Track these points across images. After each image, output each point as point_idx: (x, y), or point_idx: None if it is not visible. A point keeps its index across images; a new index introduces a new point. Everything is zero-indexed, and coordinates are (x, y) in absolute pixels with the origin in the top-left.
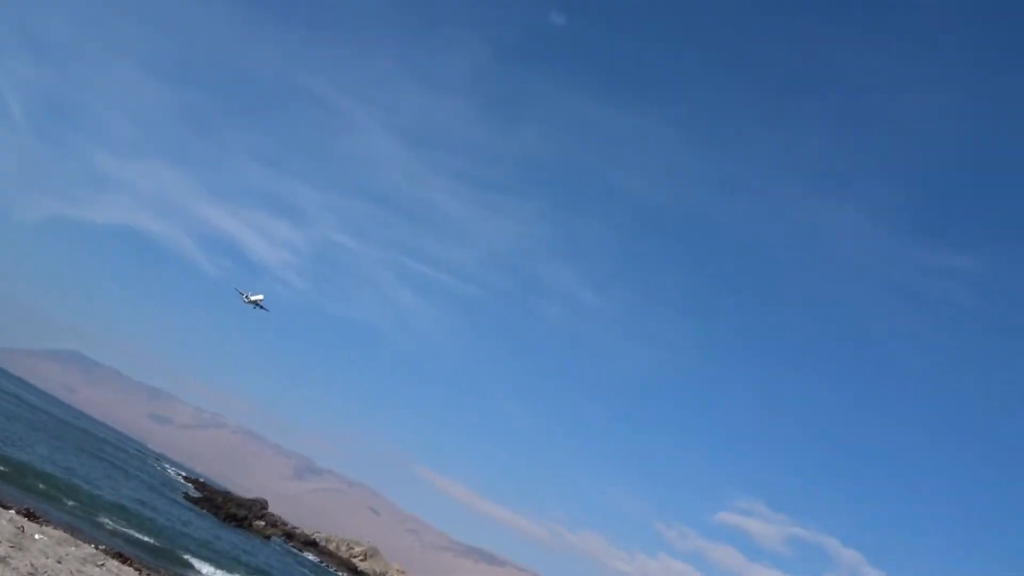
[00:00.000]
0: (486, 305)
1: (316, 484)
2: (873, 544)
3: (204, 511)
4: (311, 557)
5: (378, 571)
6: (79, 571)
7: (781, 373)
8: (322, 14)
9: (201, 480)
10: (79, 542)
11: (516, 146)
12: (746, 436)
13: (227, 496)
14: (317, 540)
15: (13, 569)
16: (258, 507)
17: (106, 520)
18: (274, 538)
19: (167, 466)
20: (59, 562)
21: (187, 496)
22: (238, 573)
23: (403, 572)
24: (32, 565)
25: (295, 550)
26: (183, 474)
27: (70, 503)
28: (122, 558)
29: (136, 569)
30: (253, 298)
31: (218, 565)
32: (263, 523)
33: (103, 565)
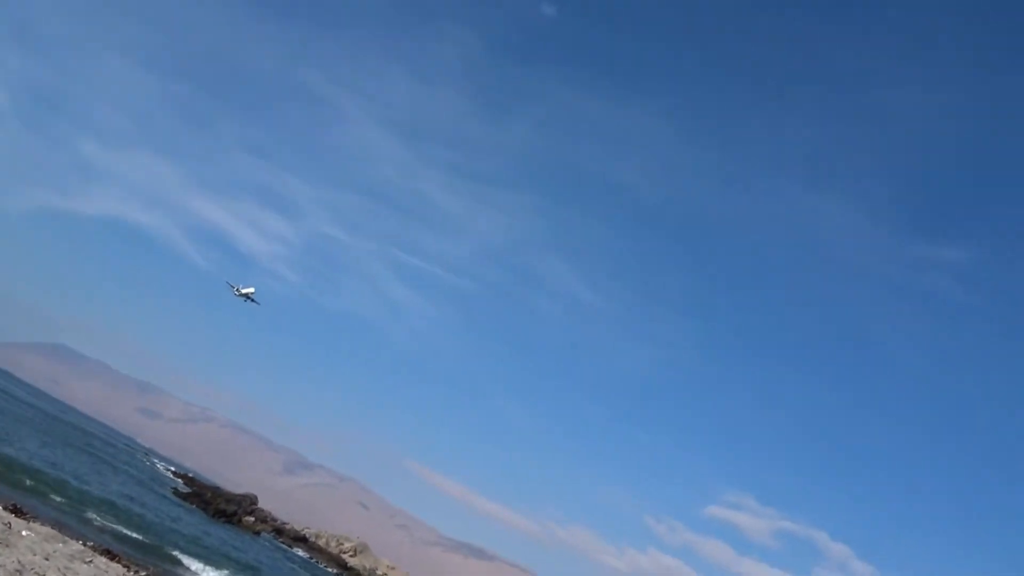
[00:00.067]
0: (479, 299)
1: (306, 479)
2: (862, 538)
3: (193, 506)
4: (301, 553)
5: (368, 567)
6: (67, 568)
7: (771, 368)
8: (314, 6)
9: (190, 475)
10: (67, 538)
11: (509, 139)
12: (735, 430)
13: (216, 491)
14: (307, 536)
15: (0, 566)
16: (248, 502)
17: (94, 516)
18: (264, 534)
19: (156, 461)
20: (47, 559)
21: (176, 491)
22: (227, 569)
23: (393, 567)
24: (19, 562)
25: (285, 546)
26: (172, 469)
27: (58, 499)
28: (110, 554)
29: (124, 565)
30: (244, 291)
31: (207, 561)
32: (253, 519)
33: (91, 562)
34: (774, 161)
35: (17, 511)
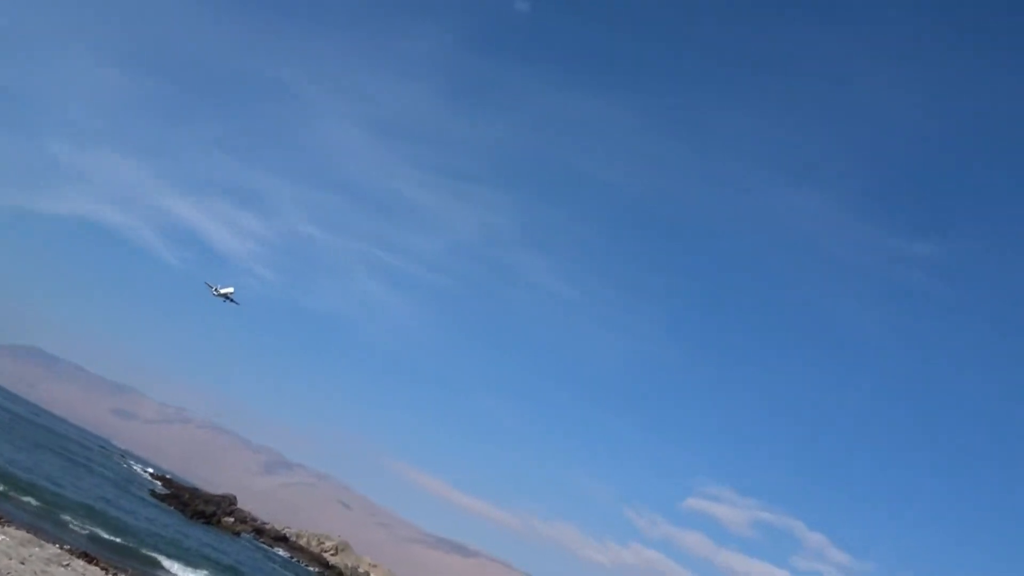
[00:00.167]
0: (456, 295)
1: (286, 478)
2: (837, 526)
3: (171, 508)
4: (282, 553)
5: (349, 565)
6: (43, 572)
7: (747, 360)
8: (287, 2)
9: (168, 476)
10: (43, 542)
11: (484, 134)
12: (713, 422)
13: (195, 492)
14: (287, 535)
15: None
16: (227, 503)
17: (70, 519)
18: (244, 534)
19: (133, 463)
20: (22, 563)
21: (153, 493)
22: (207, 570)
23: (375, 565)
24: None
25: (265, 546)
26: (149, 471)
27: (33, 503)
28: (88, 557)
29: (103, 568)
30: (223, 291)
31: (187, 563)
32: (232, 519)
33: (68, 565)
34: (749, 155)
35: None
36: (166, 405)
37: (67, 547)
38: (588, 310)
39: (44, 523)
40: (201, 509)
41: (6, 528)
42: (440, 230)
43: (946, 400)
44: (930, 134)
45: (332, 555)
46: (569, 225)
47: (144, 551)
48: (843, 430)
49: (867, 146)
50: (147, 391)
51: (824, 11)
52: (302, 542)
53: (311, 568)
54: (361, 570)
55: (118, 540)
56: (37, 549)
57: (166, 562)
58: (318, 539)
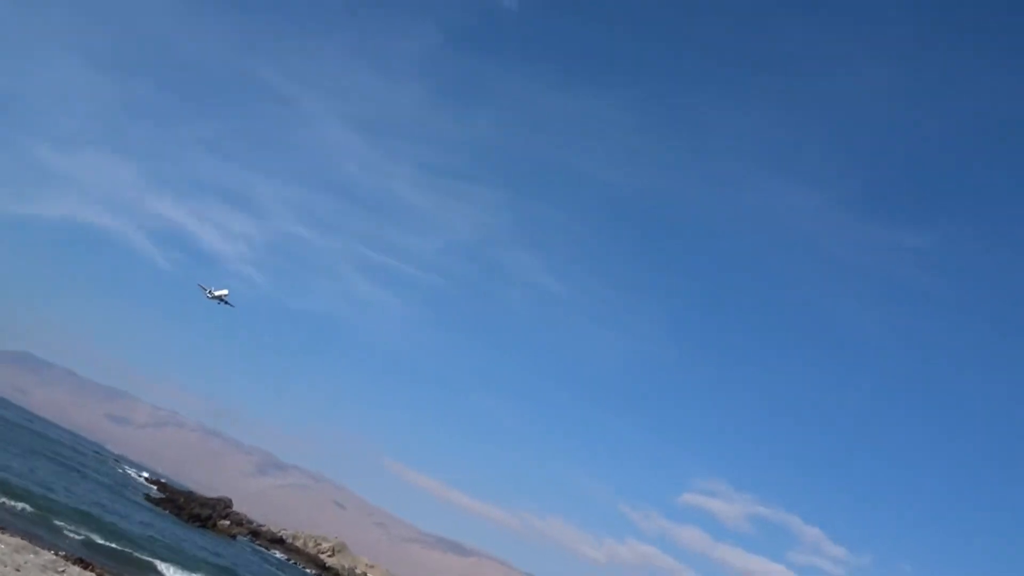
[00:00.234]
0: (449, 294)
1: (281, 480)
2: (834, 520)
3: (166, 512)
4: (279, 555)
5: (346, 566)
6: None
7: (741, 355)
8: (273, 2)
9: (162, 480)
10: (38, 549)
11: (473, 133)
12: (707, 417)
13: (190, 496)
14: (284, 537)
15: None
16: (222, 506)
17: (65, 525)
18: (240, 537)
19: (127, 467)
20: (17, 570)
21: (148, 497)
22: (203, 574)
23: (372, 566)
24: None
25: (262, 548)
26: (144, 475)
27: (27, 509)
28: (83, 563)
29: (99, 574)
30: (218, 293)
31: (183, 567)
32: (228, 522)
33: (64, 571)
34: (747, 154)
35: None
36: (159, 408)
37: (62, 553)
38: (584, 309)
39: (39, 529)
40: (197, 512)
41: (0, 535)
42: (434, 230)
43: (941, 395)
44: (929, 133)
45: (329, 556)
46: (565, 224)
47: (140, 556)
48: (839, 425)
49: (867, 145)
50: (140, 395)
51: (821, 11)
52: (299, 544)
53: (308, 570)
54: (358, 571)
55: (113, 545)
56: (32, 556)
57: (162, 566)
58: (315, 540)
